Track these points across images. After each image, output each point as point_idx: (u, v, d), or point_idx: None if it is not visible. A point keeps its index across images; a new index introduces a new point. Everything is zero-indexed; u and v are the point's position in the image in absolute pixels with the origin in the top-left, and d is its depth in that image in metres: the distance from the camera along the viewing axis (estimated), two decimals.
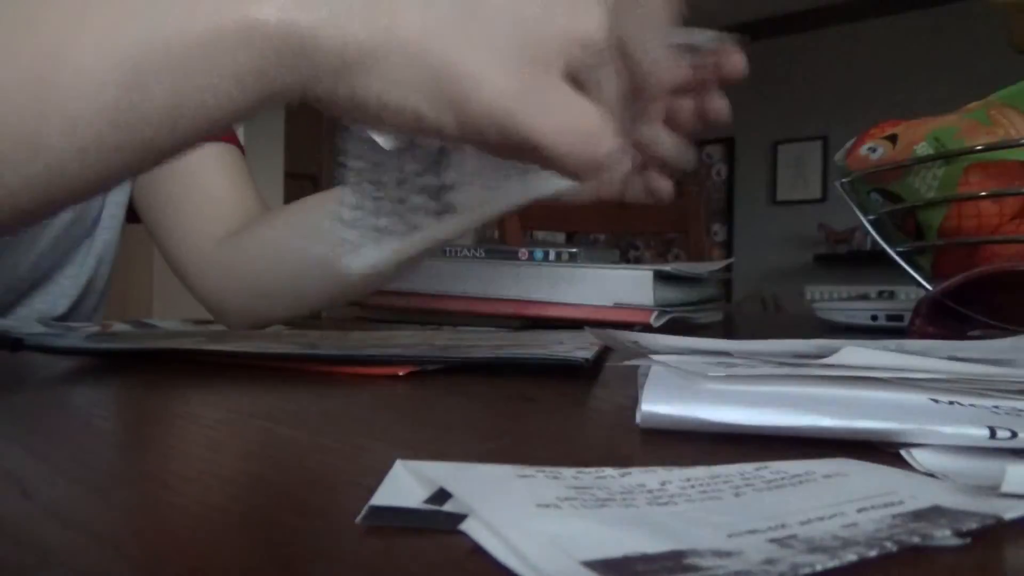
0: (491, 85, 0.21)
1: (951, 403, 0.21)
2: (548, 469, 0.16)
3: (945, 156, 0.52)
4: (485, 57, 0.21)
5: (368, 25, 0.21)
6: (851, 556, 0.12)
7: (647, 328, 0.58)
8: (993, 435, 0.17)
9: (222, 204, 0.62)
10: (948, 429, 0.19)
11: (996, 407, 0.21)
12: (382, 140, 0.27)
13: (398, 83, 0.22)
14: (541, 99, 0.22)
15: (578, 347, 0.36)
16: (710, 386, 0.22)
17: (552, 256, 0.65)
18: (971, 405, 0.21)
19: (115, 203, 0.65)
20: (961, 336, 0.37)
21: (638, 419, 0.21)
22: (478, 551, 0.12)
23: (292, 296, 0.57)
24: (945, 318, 0.40)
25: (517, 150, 0.22)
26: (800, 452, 0.18)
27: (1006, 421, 0.19)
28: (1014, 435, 0.17)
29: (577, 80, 0.23)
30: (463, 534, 0.13)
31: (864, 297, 0.74)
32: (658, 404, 0.21)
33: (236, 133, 0.67)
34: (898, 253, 0.57)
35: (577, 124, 0.22)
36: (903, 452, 0.19)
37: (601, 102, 0.23)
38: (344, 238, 0.31)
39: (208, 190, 0.62)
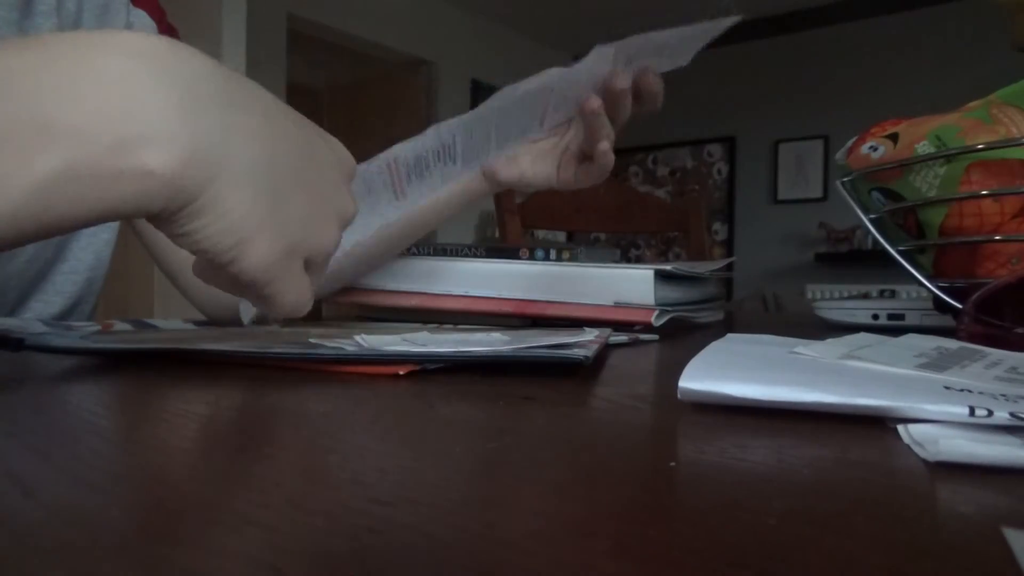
0: (258, 257, 0.30)
1: (961, 390, 0.23)
2: None
3: (946, 155, 0.52)
4: (264, 241, 0.30)
5: (219, 195, 0.28)
6: None
7: (647, 328, 0.58)
8: (972, 413, 0.20)
9: None
10: (931, 407, 0.21)
11: (1004, 395, 0.23)
12: None
13: (206, 235, 0.29)
14: (284, 274, 0.31)
15: (578, 346, 0.36)
16: (739, 370, 0.27)
17: (553, 255, 0.65)
18: (980, 393, 0.23)
19: None
20: (1009, 333, 0.38)
21: (679, 394, 0.25)
22: None
23: None
24: (991, 317, 0.41)
25: (253, 294, 0.32)
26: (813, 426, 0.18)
27: (989, 402, 0.21)
28: (990, 413, 0.20)
29: (309, 262, 0.33)
30: None
31: (865, 296, 0.73)
32: (693, 382, 0.25)
33: None
34: (899, 252, 0.57)
35: (296, 295, 0.33)
36: (899, 427, 0.21)
37: (316, 276, 0.34)
38: None
39: None
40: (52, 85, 0.26)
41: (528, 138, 0.53)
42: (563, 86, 0.49)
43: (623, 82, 0.54)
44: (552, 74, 0.53)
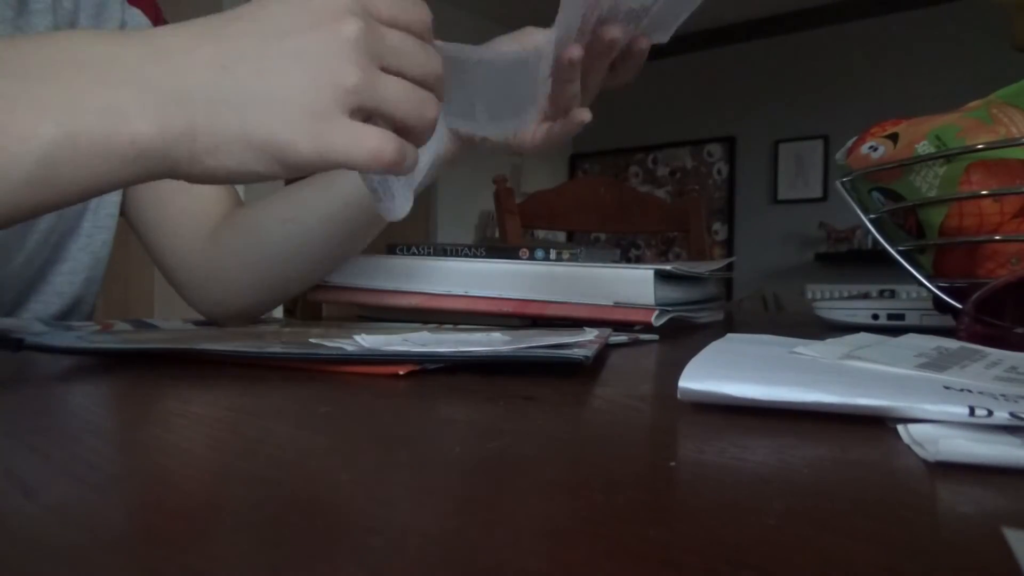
0: (298, 142, 0.32)
1: (961, 390, 0.23)
2: None
3: (946, 155, 0.52)
4: (288, 126, 0.32)
5: (211, 127, 0.32)
6: None
7: (647, 328, 0.58)
8: (972, 413, 0.20)
9: (208, 204, 0.63)
10: (931, 407, 0.21)
11: (1003, 395, 0.23)
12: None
13: (236, 160, 0.32)
14: (333, 136, 0.32)
15: (578, 346, 0.36)
16: (739, 370, 0.27)
17: (553, 255, 0.65)
18: (980, 392, 0.23)
19: (111, 203, 0.65)
20: (1009, 333, 0.38)
21: (679, 394, 0.25)
22: None
23: (277, 275, 0.61)
24: (991, 317, 0.41)
25: (332, 168, 0.33)
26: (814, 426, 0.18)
27: (989, 402, 0.21)
28: (990, 413, 0.20)
29: (363, 110, 0.33)
30: None
31: (865, 296, 0.73)
32: (692, 382, 0.25)
33: None
34: (899, 252, 0.57)
35: (362, 144, 0.33)
36: (899, 427, 0.21)
37: (386, 121, 0.34)
38: (387, 188, 0.39)
39: (195, 191, 0.62)
40: (37, 66, 0.31)
41: (533, 114, 0.50)
42: (547, 51, 0.46)
43: (614, 31, 0.51)
44: (528, 41, 0.51)
